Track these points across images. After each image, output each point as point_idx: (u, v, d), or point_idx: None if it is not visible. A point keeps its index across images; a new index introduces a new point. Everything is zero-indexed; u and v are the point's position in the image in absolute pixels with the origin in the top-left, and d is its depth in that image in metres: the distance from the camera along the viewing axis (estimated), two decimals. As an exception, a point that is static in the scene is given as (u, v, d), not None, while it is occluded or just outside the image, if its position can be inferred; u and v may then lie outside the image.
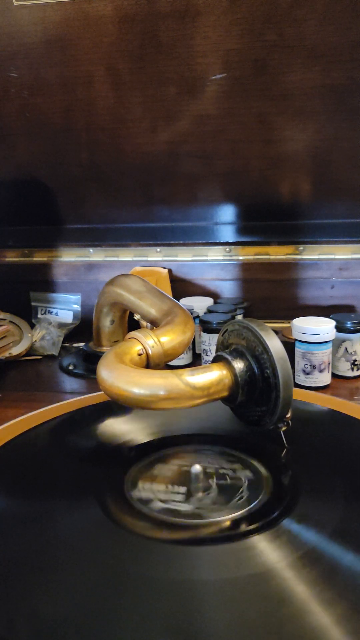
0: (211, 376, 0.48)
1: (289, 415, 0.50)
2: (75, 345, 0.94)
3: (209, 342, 0.78)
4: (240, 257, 0.96)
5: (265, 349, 0.48)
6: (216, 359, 0.52)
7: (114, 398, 0.49)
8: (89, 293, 1.00)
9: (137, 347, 0.55)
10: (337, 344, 0.74)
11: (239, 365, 0.49)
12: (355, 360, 0.75)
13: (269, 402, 0.49)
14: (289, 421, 0.50)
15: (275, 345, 0.48)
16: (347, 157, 0.86)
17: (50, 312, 1.01)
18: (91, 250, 1.01)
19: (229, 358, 0.50)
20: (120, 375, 0.48)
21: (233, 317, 0.78)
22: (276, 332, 0.83)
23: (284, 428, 0.50)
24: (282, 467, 0.49)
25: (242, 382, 0.49)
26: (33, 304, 1.02)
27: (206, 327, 0.77)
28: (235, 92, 0.81)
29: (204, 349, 0.79)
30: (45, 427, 0.58)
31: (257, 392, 0.50)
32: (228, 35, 0.75)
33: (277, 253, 0.95)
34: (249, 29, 0.75)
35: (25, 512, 0.44)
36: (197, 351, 0.85)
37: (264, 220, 0.95)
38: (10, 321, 0.91)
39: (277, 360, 0.47)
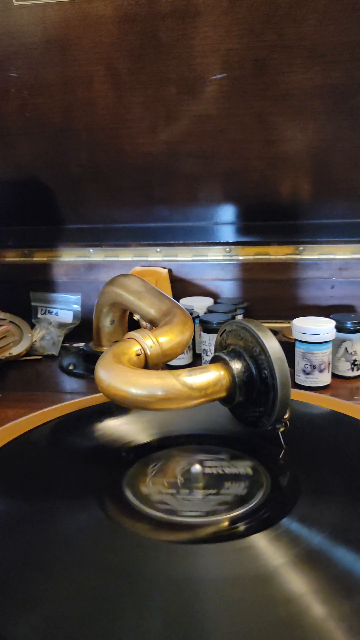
0: (209, 377, 0.48)
1: (287, 415, 0.50)
2: (75, 345, 0.94)
3: (209, 342, 0.78)
4: (240, 257, 0.96)
5: (263, 350, 0.48)
6: (214, 360, 0.52)
7: (112, 398, 0.49)
8: (89, 293, 1.00)
9: (136, 348, 0.55)
10: (337, 344, 0.74)
11: (236, 365, 0.49)
12: (355, 360, 0.75)
13: (266, 403, 0.49)
14: (287, 422, 0.50)
15: (272, 346, 0.48)
16: (347, 157, 0.86)
17: (50, 312, 1.02)
18: (91, 250, 1.01)
19: (227, 359, 0.50)
20: (117, 376, 0.48)
21: (233, 317, 0.78)
22: (276, 332, 0.84)
23: (282, 429, 0.50)
24: (282, 467, 0.49)
25: (239, 383, 0.49)
26: (33, 304, 1.02)
27: (206, 327, 0.77)
28: (235, 92, 0.81)
29: (204, 349, 0.79)
30: (45, 428, 0.58)
31: (255, 393, 0.50)
32: (228, 35, 0.75)
33: (277, 253, 0.95)
34: (249, 29, 0.75)
35: (25, 513, 0.44)
36: (197, 351, 0.85)
37: (264, 220, 0.95)
38: (10, 321, 0.92)
39: (274, 361, 0.47)
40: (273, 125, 0.84)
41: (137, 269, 0.97)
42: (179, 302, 0.76)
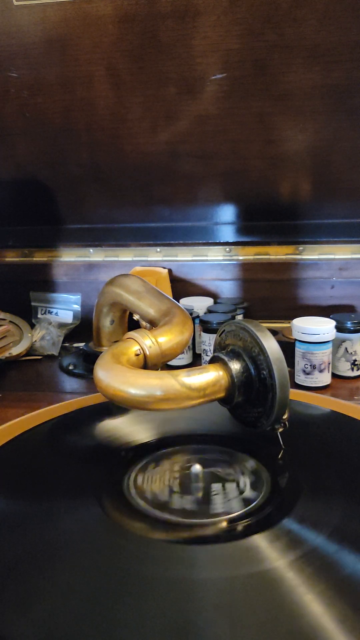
0: (207, 377, 0.48)
1: (285, 416, 0.50)
2: (75, 345, 0.94)
3: (209, 342, 0.78)
4: (240, 257, 0.96)
5: (262, 350, 0.48)
6: (213, 360, 0.52)
7: (111, 398, 0.49)
8: (89, 293, 1.00)
9: (135, 348, 0.54)
10: (337, 344, 0.74)
11: (235, 366, 0.49)
12: (355, 360, 0.75)
13: (265, 404, 0.49)
14: (286, 422, 0.50)
15: (271, 346, 0.48)
16: (347, 157, 0.86)
17: (50, 312, 1.02)
18: (91, 250, 1.01)
19: (226, 359, 0.50)
20: (116, 376, 0.48)
21: (233, 317, 0.79)
22: (276, 332, 0.84)
23: (280, 429, 0.50)
24: (282, 467, 0.49)
25: (238, 383, 0.49)
26: (33, 304, 1.02)
27: (206, 327, 0.77)
28: (235, 92, 0.81)
29: (204, 349, 0.79)
30: (45, 427, 0.58)
31: (254, 394, 0.50)
32: (228, 35, 0.75)
33: (277, 253, 0.95)
34: (249, 29, 0.75)
35: (25, 512, 0.44)
36: (197, 351, 0.85)
37: (264, 220, 0.95)
38: (10, 321, 0.92)
39: (273, 361, 0.47)
40: (273, 125, 0.84)
41: (137, 269, 0.97)
42: (179, 302, 0.76)
